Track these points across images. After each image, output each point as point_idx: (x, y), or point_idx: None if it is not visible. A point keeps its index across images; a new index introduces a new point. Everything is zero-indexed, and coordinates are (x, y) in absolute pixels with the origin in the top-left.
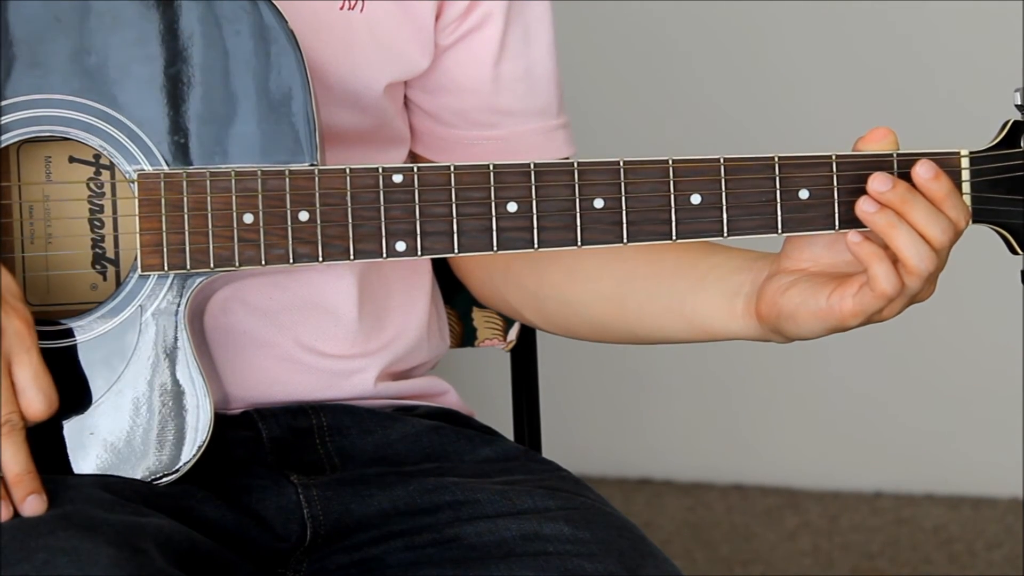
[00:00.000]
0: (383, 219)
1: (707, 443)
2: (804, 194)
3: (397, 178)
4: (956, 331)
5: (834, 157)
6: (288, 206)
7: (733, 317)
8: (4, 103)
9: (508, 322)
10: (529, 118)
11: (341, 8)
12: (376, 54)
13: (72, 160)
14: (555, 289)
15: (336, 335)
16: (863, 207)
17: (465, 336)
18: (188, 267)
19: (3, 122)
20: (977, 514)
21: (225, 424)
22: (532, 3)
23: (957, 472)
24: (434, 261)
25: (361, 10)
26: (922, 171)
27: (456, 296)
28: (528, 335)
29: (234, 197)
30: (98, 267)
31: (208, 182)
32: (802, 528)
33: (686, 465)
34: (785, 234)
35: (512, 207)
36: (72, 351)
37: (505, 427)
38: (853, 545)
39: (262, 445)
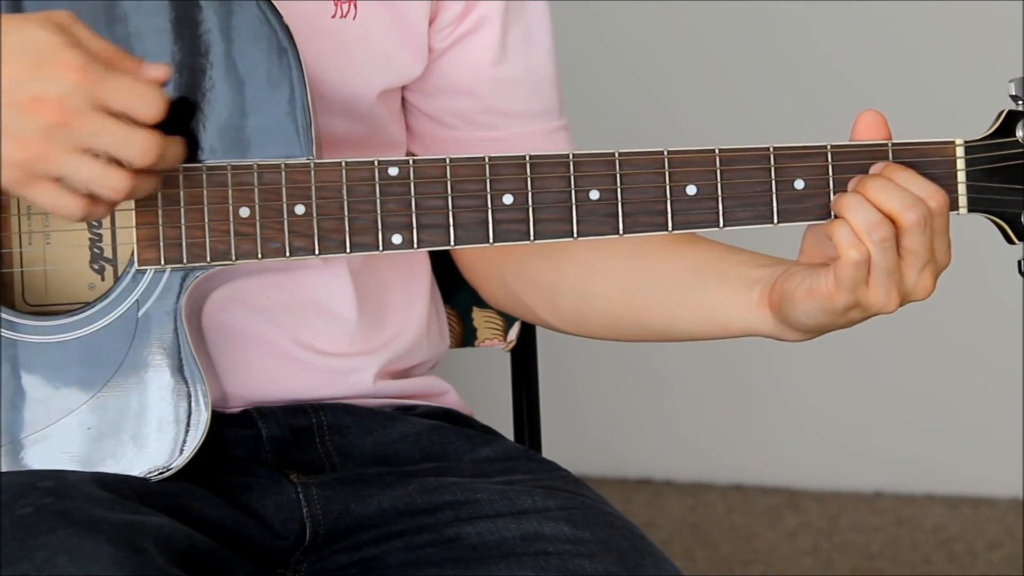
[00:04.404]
0: (379, 212)
1: (707, 443)
2: (800, 184)
3: (393, 171)
4: (956, 331)
5: (829, 147)
6: (284, 200)
7: (749, 308)
8: None
9: (508, 322)
10: (530, 120)
11: (333, 16)
12: (369, 62)
13: None
14: (571, 283)
15: (334, 333)
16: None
17: (465, 336)
18: (184, 261)
19: None
20: (977, 514)
21: (224, 422)
22: (531, 5)
23: (957, 472)
24: (434, 261)
25: (353, 18)
26: (873, 168)
27: (456, 296)
28: (528, 335)
29: (230, 191)
30: (96, 267)
31: (204, 176)
32: (802, 528)
33: (686, 465)
34: (781, 223)
35: (508, 199)
36: (69, 347)
37: (505, 427)
38: (853, 545)
39: (262, 444)
